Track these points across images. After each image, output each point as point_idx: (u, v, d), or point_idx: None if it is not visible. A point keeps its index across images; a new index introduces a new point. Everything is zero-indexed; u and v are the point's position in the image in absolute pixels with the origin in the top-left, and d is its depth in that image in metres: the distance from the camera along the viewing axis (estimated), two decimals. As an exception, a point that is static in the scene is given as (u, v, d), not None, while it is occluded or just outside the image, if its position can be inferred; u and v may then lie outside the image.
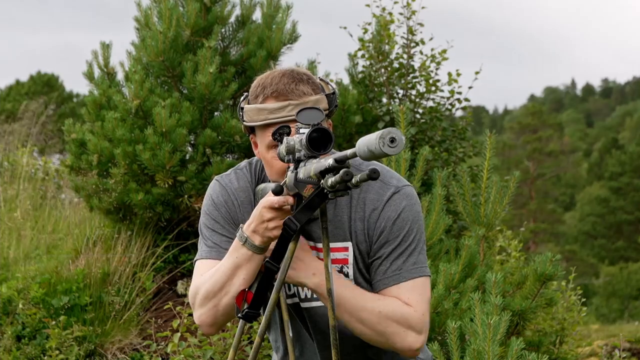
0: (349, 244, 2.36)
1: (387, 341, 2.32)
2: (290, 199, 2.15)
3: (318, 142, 2.07)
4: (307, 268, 2.29)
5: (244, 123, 2.35)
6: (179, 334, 5.30)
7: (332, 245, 2.33)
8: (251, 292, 2.29)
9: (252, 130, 2.37)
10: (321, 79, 2.38)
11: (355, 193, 2.36)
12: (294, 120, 2.22)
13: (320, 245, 2.35)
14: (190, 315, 5.52)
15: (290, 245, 2.19)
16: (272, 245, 2.27)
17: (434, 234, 4.47)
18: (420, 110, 7.28)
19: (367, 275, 2.38)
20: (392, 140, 1.84)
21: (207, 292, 2.31)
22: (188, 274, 6.18)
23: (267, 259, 2.26)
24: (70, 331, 5.51)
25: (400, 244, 2.35)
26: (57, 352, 5.41)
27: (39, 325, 5.72)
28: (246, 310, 2.27)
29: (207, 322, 2.34)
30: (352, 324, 2.31)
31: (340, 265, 2.37)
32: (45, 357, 5.49)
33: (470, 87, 7.40)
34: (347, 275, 2.36)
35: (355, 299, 2.29)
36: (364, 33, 7.41)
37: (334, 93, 2.34)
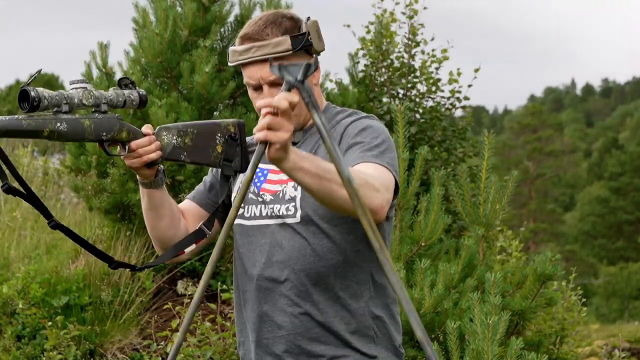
0: None
1: (366, 198, 2.14)
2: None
3: None
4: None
5: (229, 64, 2.49)
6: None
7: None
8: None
9: None
10: (307, 21, 2.42)
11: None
12: (261, 61, 2.36)
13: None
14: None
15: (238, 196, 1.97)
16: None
17: (433, 234, 4.46)
18: (421, 110, 7.28)
19: None
20: None
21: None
22: (188, 274, 6.18)
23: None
24: (68, 331, 5.50)
25: (365, 141, 2.36)
26: (56, 352, 5.40)
27: (39, 325, 5.72)
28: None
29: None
30: (330, 186, 2.11)
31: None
32: (44, 358, 5.49)
33: (469, 85, 7.41)
34: (296, 189, 2.39)
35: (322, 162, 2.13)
36: (367, 33, 7.42)
37: (303, 34, 2.37)
